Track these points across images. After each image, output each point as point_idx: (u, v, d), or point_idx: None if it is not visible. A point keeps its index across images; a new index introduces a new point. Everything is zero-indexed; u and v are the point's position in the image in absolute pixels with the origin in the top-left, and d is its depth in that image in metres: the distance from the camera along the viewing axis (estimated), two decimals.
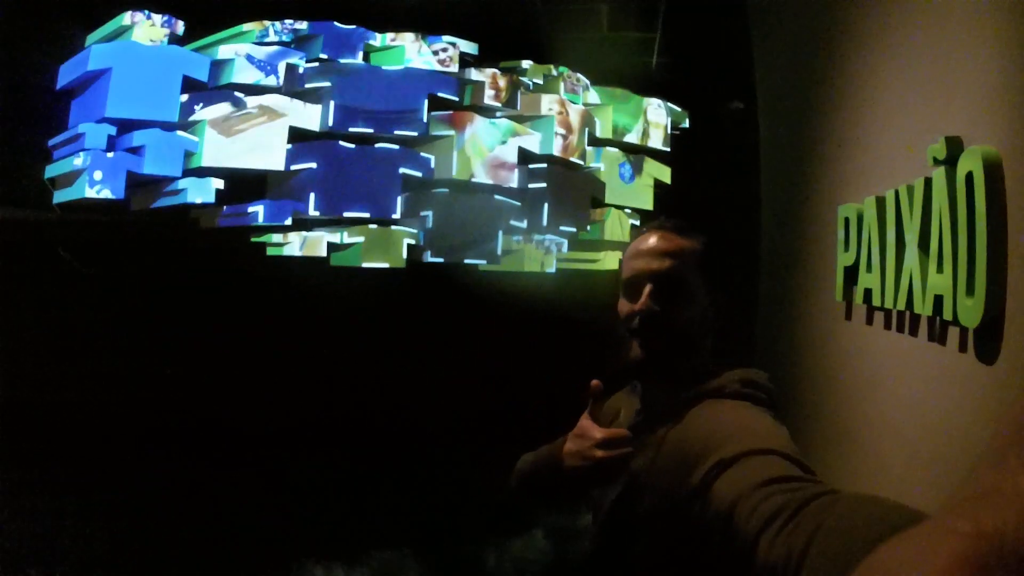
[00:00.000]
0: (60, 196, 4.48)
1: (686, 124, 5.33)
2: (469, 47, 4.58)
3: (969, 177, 1.44)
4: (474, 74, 4.62)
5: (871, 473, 2.10)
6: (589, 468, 1.08)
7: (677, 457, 1.04)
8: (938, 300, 1.70)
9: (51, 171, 4.50)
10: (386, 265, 4.46)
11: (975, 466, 0.41)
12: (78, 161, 4.41)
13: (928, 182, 1.78)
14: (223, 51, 4.42)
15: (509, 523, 4.15)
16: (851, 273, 2.32)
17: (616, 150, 5.24)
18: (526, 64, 4.87)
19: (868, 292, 2.15)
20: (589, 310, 4.60)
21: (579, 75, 5.03)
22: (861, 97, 2.28)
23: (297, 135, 4.47)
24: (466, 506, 4.13)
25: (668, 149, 5.32)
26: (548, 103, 4.79)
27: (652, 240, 1.19)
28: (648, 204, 5.31)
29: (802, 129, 2.64)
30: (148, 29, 4.40)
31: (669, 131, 5.29)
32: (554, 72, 4.96)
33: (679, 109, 5.26)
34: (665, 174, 5.39)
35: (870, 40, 2.24)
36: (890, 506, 0.71)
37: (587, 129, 5.02)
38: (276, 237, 4.65)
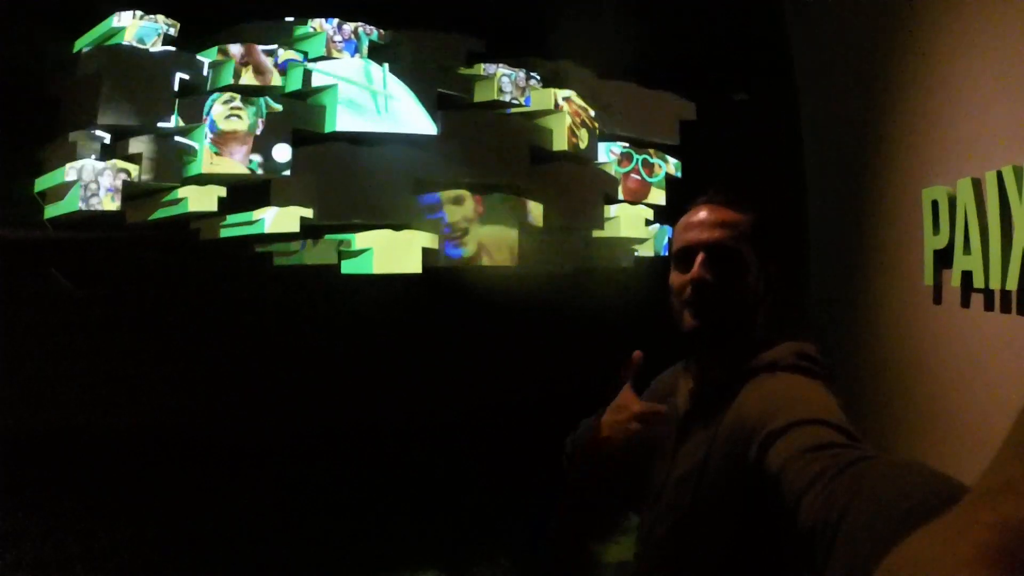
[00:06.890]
0: (51, 211, 4.22)
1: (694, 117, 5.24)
2: (475, 43, 4.44)
3: None
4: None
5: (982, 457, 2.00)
6: (623, 441, 1.11)
7: (734, 437, 1.06)
8: None
9: (41, 184, 4.23)
10: (400, 271, 4.29)
11: (997, 456, 0.41)
12: (69, 172, 4.15)
13: None
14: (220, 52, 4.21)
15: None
16: (941, 256, 2.22)
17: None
18: (533, 60, 4.74)
19: (967, 275, 2.06)
20: (612, 308, 4.49)
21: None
22: (941, 80, 2.19)
23: (301, 137, 4.28)
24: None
25: (677, 143, 5.23)
26: (558, 98, 4.66)
27: (703, 212, 1.21)
28: (660, 199, 5.21)
29: (867, 113, 2.54)
30: (140, 31, 4.17)
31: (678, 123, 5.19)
32: (557, 66, 4.83)
33: (687, 101, 5.17)
34: (675, 167, 5.30)
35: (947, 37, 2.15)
36: (925, 474, 0.73)
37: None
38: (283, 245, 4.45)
